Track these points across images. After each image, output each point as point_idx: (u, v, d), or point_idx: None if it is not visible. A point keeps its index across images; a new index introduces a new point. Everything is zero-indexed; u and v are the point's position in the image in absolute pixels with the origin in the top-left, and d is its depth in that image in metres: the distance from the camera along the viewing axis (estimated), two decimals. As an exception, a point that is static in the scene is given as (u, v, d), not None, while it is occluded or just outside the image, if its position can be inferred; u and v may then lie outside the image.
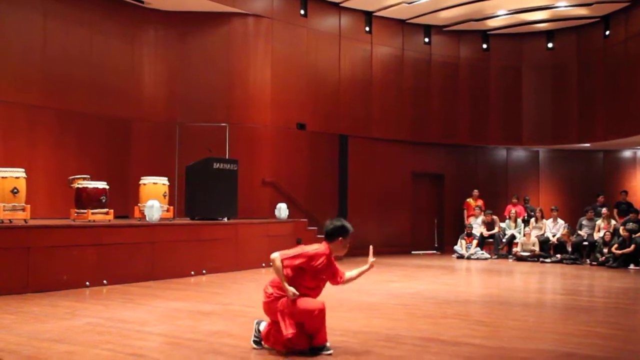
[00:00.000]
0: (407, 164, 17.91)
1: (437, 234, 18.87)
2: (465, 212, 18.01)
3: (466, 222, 17.56)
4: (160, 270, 10.47)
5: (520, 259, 15.43)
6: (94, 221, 10.16)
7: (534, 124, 18.75)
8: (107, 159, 13.34)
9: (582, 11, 16.81)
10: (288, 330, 5.11)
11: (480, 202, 17.69)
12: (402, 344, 5.73)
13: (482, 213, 17.07)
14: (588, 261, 14.67)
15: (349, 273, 5.60)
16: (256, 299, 8.47)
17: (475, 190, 17.99)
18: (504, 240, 16.56)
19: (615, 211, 16.04)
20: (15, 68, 12.10)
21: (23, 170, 9.65)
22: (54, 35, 12.64)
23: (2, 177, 9.30)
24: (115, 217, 11.08)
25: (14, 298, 8.12)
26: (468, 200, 18.01)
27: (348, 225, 5.42)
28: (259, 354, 5.23)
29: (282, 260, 5.18)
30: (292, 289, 5.16)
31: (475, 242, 16.25)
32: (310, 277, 5.30)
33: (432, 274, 12.46)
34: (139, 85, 14.21)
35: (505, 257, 16.14)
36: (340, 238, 5.38)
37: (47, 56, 12.52)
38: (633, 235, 13.81)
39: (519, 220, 16.85)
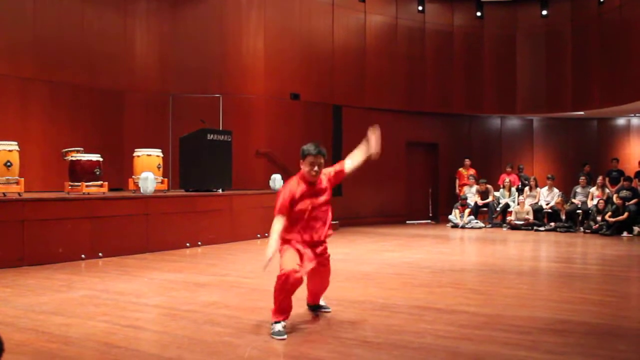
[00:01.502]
0: (401, 133, 17.88)
1: (432, 204, 18.93)
2: (457, 181, 18.04)
3: (457, 191, 17.65)
4: (155, 242, 10.48)
5: (514, 227, 15.49)
6: (88, 194, 10.13)
7: (528, 92, 18.72)
8: (100, 131, 13.28)
9: (577, -22, 16.70)
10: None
11: (472, 171, 17.69)
12: (397, 312, 5.76)
13: (476, 182, 17.09)
14: (582, 229, 14.74)
15: (349, 160, 5.44)
16: (252, 270, 8.52)
17: (467, 160, 18.00)
18: (498, 209, 16.60)
19: (606, 179, 16.10)
20: (7, 40, 11.97)
21: (16, 143, 9.61)
22: (45, 6, 12.48)
23: (-5, 151, 9.26)
24: (110, 189, 11.06)
25: (10, 271, 8.13)
26: (460, 169, 18.04)
27: (306, 146, 5.27)
28: (255, 324, 5.25)
29: (276, 215, 5.06)
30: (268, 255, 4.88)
31: (467, 210, 16.29)
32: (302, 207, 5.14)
33: (427, 243, 12.51)
34: (132, 57, 14.09)
35: (500, 225, 16.20)
36: (301, 161, 5.24)
37: (39, 28, 12.38)
38: (626, 203, 13.87)
39: (513, 189, 16.88)
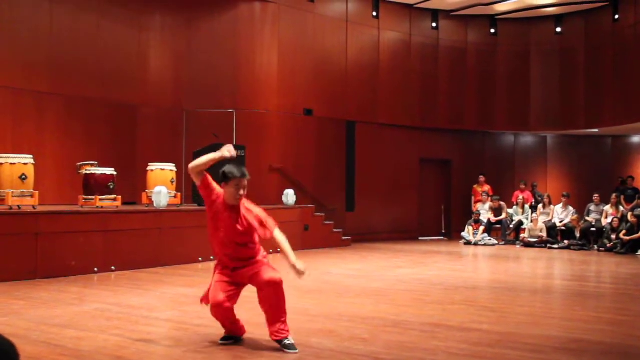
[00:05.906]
0: (415, 149, 17.87)
1: (445, 220, 18.86)
2: (472, 198, 17.99)
3: (473, 208, 17.55)
4: (167, 256, 10.51)
5: (527, 245, 15.40)
6: (102, 207, 10.18)
7: (542, 109, 18.67)
8: (114, 145, 13.34)
9: (591, -5, 16.69)
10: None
11: (487, 188, 17.63)
12: (410, 329, 5.73)
13: (490, 199, 17.03)
14: (596, 247, 14.64)
15: (281, 240, 5.09)
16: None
17: (481, 177, 17.94)
18: (511, 226, 16.52)
19: (622, 197, 16.00)
20: (23, 55, 12.08)
21: (31, 156, 9.68)
22: (60, 21, 12.61)
23: (11, 164, 9.34)
24: (123, 203, 11.11)
25: (23, 284, 8.17)
26: (475, 186, 17.99)
27: (228, 169, 5.24)
28: (266, 339, 5.24)
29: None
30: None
31: (482, 228, 16.23)
32: (212, 219, 5.20)
33: (440, 260, 12.46)
34: (146, 71, 14.19)
35: (513, 243, 16.12)
36: (223, 183, 5.19)
37: (54, 42, 12.50)
38: (641, 221, 13.76)
39: (527, 206, 16.80)
